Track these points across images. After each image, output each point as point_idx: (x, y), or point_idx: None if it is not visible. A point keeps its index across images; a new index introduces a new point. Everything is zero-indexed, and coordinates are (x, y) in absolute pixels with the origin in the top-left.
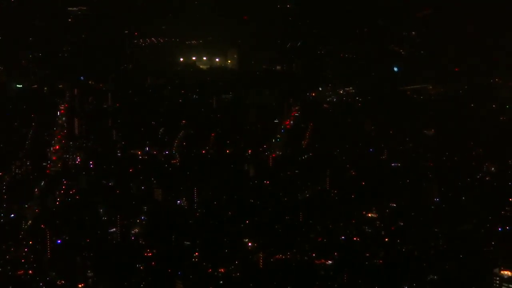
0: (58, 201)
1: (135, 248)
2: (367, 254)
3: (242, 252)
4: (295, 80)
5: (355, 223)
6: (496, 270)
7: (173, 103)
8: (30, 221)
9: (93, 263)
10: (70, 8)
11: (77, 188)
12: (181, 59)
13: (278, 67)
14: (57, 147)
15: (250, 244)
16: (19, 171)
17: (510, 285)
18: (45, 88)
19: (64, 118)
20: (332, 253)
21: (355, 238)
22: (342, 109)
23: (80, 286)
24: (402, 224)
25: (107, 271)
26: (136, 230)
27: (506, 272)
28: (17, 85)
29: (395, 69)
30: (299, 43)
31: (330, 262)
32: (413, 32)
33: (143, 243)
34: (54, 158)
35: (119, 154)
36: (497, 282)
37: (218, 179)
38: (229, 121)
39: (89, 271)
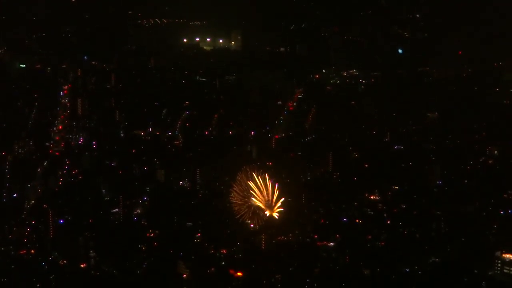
0: (60, 181)
1: (138, 228)
2: (369, 236)
3: (244, 233)
4: (298, 62)
5: (357, 205)
6: (498, 253)
7: (176, 84)
8: (32, 201)
9: (96, 243)
10: None
11: (79, 168)
12: (185, 40)
13: (281, 49)
14: (60, 127)
15: (252, 225)
16: (22, 151)
17: None
18: (48, 68)
19: (67, 99)
20: (334, 235)
21: (357, 220)
22: (346, 91)
23: (82, 266)
24: (404, 206)
25: (109, 251)
26: (139, 211)
27: (507, 255)
28: (21, 65)
29: (400, 51)
30: (303, 25)
31: (332, 244)
32: (417, 15)
33: (146, 223)
34: (57, 138)
35: (122, 135)
36: (499, 265)
37: (221, 160)
38: (232, 103)
39: (91, 251)
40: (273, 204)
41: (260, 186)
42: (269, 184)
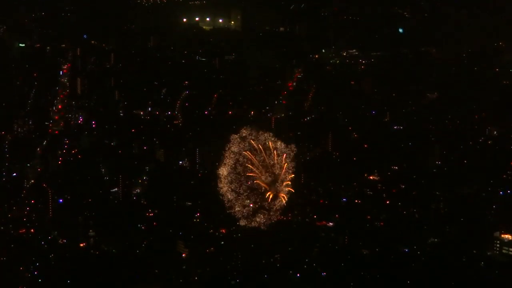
0: (60, 160)
1: (137, 208)
2: (368, 217)
3: (243, 213)
4: (298, 42)
5: (357, 185)
6: (497, 233)
7: (175, 63)
8: (32, 180)
9: (95, 223)
10: None
11: (79, 148)
12: (184, 20)
13: (281, 29)
14: (60, 106)
15: (251, 205)
16: (21, 130)
17: (510, 249)
18: (48, 48)
19: (66, 78)
20: (334, 215)
21: (356, 201)
22: (345, 71)
23: (81, 245)
24: (403, 187)
25: (108, 230)
26: (138, 190)
27: (506, 236)
28: (20, 45)
29: (400, 30)
30: (302, 5)
31: (331, 224)
32: None
33: (145, 203)
34: (56, 117)
35: (121, 114)
36: (498, 245)
37: (220, 140)
38: (232, 83)
39: (90, 231)
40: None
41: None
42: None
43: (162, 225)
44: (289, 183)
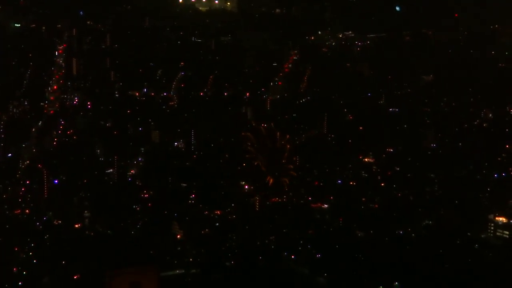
0: (55, 141)
1: (132, 189)
2: (363, 199)
3: (238, 194)
4: (294, 24)
5: (352, 167)
6: (491, 216)
7: (171, 44)
8: (27, 161)
9: (90, 204)
10: None
11: (74, 129)
12: (180, 1)
13: (277, 10)
14: (55, 87)
15: (246, 186)
16: (17, 111)
17: (505, 231)
18: (43, 28)
19: (62, 58)
20: (328, 197)
21: (351, 183)
22: (341, 53)
23: (76, 226)
24: (398, 169)
25: (103, 211)
26: (133, 171)
27: (500, 219)
28: (15, 25)
29: (397, 8)
30: None
31: (326, 206)
32: None
33: (140, 184)
34: (51, 98)
35: (117, 95)
36: (492, 228)
37: (215, 122)
38: (228, 64)
39: (86, 211)
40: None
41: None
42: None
43: (157, 206)
44: (291, 167)
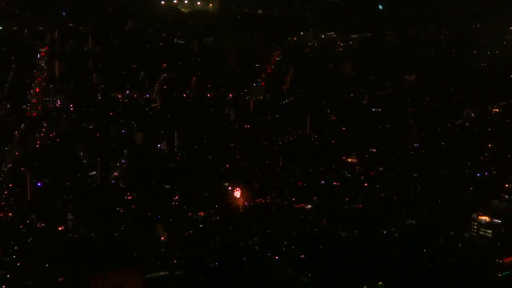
0: (38, 144)
1: (115, 191)
2: (347, 199)
3: (222, 196)
4: (276, 25)
5: (335, 168)
6: (474, 215)
7: (154, 46)
8: (10, 164)
9: (73, 206)
10: None
11: (57, 131)
12: (162, 2)
13: (259, 11)
14: (37, 90)
15: (230, 188)
16: None
17: (488, 230)
18: (25, 30)
19: (44, 61)
20: (312, 198)
21: (334, 183)
22: (323, 54)
23: (60, 228)
24: (381, 169)
25: (87, 214)
26: (116, 174)
27: (483, 218)
28: None
29: (380, 7)
30: None
31: (309, 206)
32: None
33: (123, 186)
34: (34, 101)
35: (99, 97)
36: (475, 227)
37: (198, 123)
38: (210, 65)
39: (69, 214)
40: None
41: None
42: None
43: (141, 208)
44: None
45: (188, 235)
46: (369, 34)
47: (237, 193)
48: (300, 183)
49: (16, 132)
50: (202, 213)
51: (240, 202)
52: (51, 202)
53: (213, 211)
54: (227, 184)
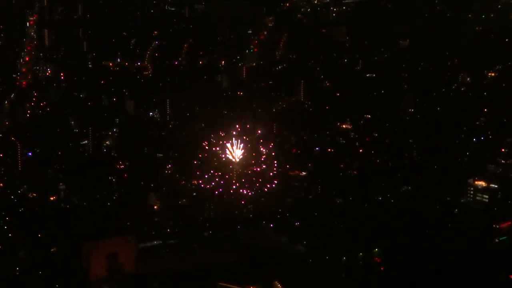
0: (28, 113)
1: (107, 160)
2: (341, 165)
3: (215, 164)
4: None
5: (329, 134)
6: (470, 180)
7: (144, 13)
8: (0, 134)
9: (65, 176)
10: None
11: (47, 101)
12: None
13: None
14: (27, 58)
15: (223, 156)
16: None
17: (484, 195)
18: None
19: (33, 29)
20: (306, 165)
21: (329, 149)
22: (317, 19)
23: (52, 198)
24: (376, 135)
25: (79, 183)
26: (108, 143)
27: (480, 183)
28: None
29: None
30: None
31: (304, 173)
32: None
33: (115, 155)
34: (24, 70)
35: (90, 66)
36: (471, 192)
37: (191, 91)
38: (202, 32)
39: (61, 184)
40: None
41: None
42: None
43: (133, 177)
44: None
45: (181, 203)
46: None
47: (231, 159)
48: (294, 150)
49: (5, 102)
50: (195, 182)
51: (234, 170)
52: (43, 172)
53: (206, 179)
54: (220, 151)
